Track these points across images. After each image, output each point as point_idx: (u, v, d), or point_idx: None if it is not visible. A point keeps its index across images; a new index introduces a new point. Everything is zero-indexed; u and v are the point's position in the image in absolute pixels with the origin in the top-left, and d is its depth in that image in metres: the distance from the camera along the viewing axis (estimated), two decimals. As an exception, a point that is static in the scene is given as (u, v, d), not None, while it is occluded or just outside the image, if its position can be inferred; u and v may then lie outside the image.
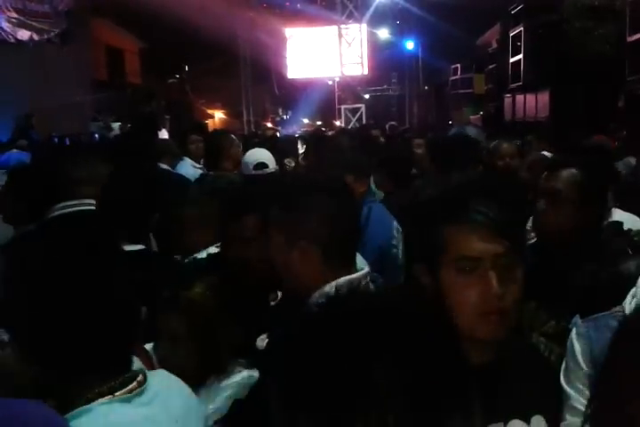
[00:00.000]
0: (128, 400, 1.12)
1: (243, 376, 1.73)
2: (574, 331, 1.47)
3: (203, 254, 2.23)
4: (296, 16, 19.25)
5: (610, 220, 2.44)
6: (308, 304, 1.35)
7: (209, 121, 22.33)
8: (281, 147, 6.02)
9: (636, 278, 1.48)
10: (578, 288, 1.75)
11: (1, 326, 1.19)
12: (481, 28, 23.47)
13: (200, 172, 4.97)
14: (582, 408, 1.38)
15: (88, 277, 1.13)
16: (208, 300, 1.75)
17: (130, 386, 1.14)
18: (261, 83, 22.92)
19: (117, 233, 2.25)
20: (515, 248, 1.19)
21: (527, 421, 1.24)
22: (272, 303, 1.92)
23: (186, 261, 2.29)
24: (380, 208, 2.91)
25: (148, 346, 1.77)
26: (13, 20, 13.20)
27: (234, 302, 1.77)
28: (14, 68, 12.30)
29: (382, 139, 6.84)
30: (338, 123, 17.45)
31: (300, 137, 9.81)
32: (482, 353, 1.24)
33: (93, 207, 2.64)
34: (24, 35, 13.51)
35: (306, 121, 26.02)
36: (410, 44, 24.07)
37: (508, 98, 18.62)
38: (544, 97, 15.06)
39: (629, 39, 12.51)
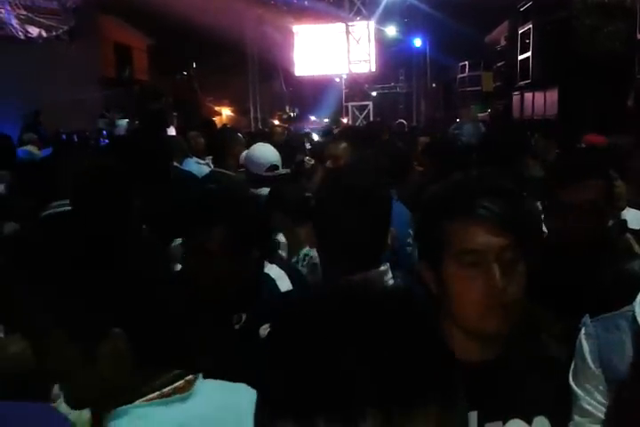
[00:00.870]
0: (167, 403, 1.07)
1: None
2: (583, 331, 1.46)
3: None
4: (304, 13, 19.22)
5: (622, 218, 2.44)
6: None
7: (216, 118, 22.32)
8: (291, 144, 6.01)
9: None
10: (587, 287, 1.74)
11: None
12: (489, 25, 23.37)
13: (205, 168, 4.97)
14: (591, 409, 1.37)
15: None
16: None
17: (175, 385, 1.09)
18: (269, 80, 22.93)
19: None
20: (518, 243, 1.18)
21: (529, 421, 1.23)
22: (236, 327, 1.78)
23: None
24: (398, 206, 2.88)
25: None
26: (22, 17, 13.25)
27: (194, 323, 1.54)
28: (23, 65, 12.35)
29: (387, 136, 6.80)
30: (345, 120, 17.42)
31: (307, 134, 9.81)
32: (485, 350, 1.24)
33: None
34: (33, 31, 13.57)
35: (313, 118, 26.02)
36: (418, 42, 24.00)
37: (516, 96, 18.56)
38: (553, 95, 15.00)
39: (639, 37, 12.44)
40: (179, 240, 2.09)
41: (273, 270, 1.96)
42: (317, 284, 1.97)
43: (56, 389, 1.32)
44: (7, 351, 1.48)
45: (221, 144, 4.50)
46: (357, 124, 15.57)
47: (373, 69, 18.09)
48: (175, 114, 14.42)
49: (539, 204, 2.22)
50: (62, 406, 1.16)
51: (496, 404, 1.21)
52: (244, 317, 1.79)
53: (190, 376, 1.12)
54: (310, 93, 25.01)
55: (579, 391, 1.39)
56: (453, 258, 1.20)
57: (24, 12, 13.28)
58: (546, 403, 1.25)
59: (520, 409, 1.23)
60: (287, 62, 20.23)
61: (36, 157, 5.92)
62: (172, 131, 8.70)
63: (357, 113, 17.33)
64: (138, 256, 1.16)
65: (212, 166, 4.90)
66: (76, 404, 1.11)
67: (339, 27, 17.80)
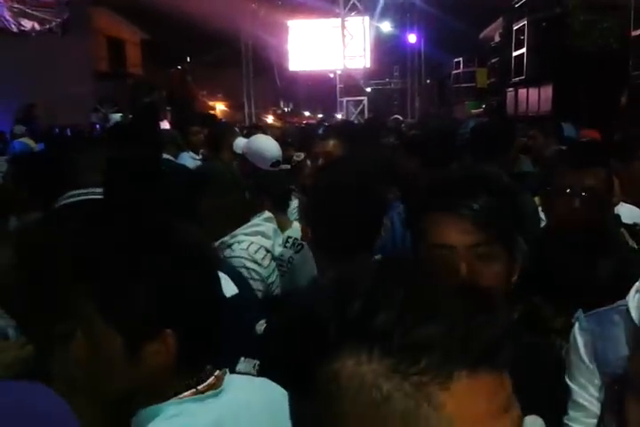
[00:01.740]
0: (201, 400, 1.07)
1: None
2: (577, 325, 1.46)
3: None
4: (298, 8, 19.16)
5: (616, 213, 2.45)
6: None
7: (210, 112, 22.29)
8: (286, 140, 5.99)
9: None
10: (582, 281, 1.74)
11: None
12: (484, 21, 23.41)
13: (199, 163, 4.96)
14: (585, 403, 1.37)
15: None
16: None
17: (207, 382, 1.09)
18: (263, 75, 22.86)
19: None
20: (493, 240, 1.18)
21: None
22: None
23: None
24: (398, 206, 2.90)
25: None
26: (15, 10, 13.17)
27: None
28: (15, 59, 12.27)
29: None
30: (339, 116, 17.40)
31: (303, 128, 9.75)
32: None
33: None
34: (26, 24, 13.49)
35: (307, 113, 25.98)
36: (412, 38, 23.99)
37: (510, 92, 18.60)
38: (547, 91, 15.04)
39: (633, 33, 12.48)
40: None
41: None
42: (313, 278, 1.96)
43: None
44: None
45: (216, 138, 4.48)
46: (352, 119, 15.55)
47: (368, 65, 18.06)
48: (169, 108, 14.36)
49: (536, 199, 2.22)
50: None
51: None
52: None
53: (218, 372, 1.12)
54: (304, 88, 24.98)
55: (573, 386, 1.39)
56: (427, 251, 1.21)
57: (17, 5, 13.19)
58: (540, 400, 1.25)
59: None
60: (282, 57, 20.18)
61: (32, 149, 5.89)
62: (165, 125, 8.68)
63: (352, 108, 17.31)
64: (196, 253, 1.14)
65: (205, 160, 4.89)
66: (106, 400, 1.10)
67: (333, 22, 17.76)
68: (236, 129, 4.87)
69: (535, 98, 15.99)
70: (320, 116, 23.00)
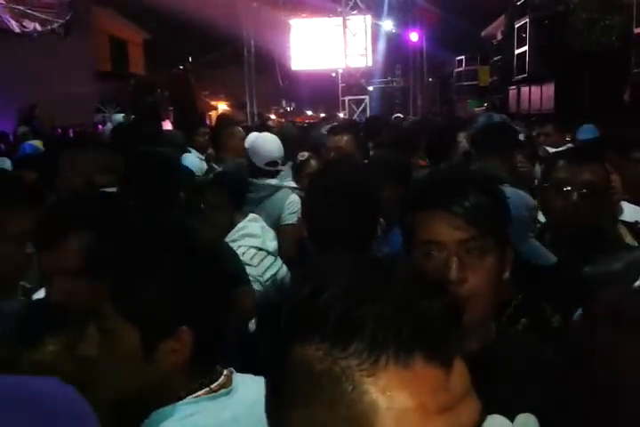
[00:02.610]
0: (215, 398, 1.09)
1: None
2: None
3: (41, 293, 1.54)
4: (300, 7, 19.15)
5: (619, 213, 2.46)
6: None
7: (212, 112, 22.29)
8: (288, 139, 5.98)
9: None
10: (583, 280, 1.74)
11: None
12: (486, 19, 23.37)
13: (204, 164, 4.97)
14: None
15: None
16: (64, 363, 1.21)
17: (219, 381, 1.11)
18: (265, 74, 22.84)
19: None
20: (484, 235, 1.18)
21: (511, 417, 1.22)
22: None
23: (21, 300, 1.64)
24: None
25: None
26: (17, 11, 13.18)
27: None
28: (18, 59, 12.29)
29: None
30: (342, 115, 17.39)
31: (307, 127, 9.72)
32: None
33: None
34: (28, 25, 13.50)
35: (309, 113, 25.96)
36: (414, 36, 23.96)
37: (512, 90, 18.57)
38: (549, 89, 15.02)
39: (636, 31, 12.44)
40: None
41: None
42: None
43: None
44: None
45: (218, 138, 4.49)
46: (354, 117, 15.55)
47: (370, 64, 18.05)
48: (171, 108, 14.36)
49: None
50: None
51: None
52: None
53: (227, 371, 1.14)
54: (307, 88, 24.96)
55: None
56: (418, 247, 1.21)
57: (18, 6, 13.21)
58: (533, 399, 1.24)
59: (501, 405, 1.22)
60: (284, 56, 20.17)
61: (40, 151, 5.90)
62: (167, 125, 8.68)
63: (354, 107, 17.30)
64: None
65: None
66: (118, 397, 1.11)
67: (335, 21, 17.74)
68: (237, 129, 4.86)
69: (537, 96, 15.97)
70: (322, 115, 23.00)
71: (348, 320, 0.52)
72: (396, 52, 23.88)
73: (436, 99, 29.99)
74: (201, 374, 1.10)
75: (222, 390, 1.10)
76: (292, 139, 4.30)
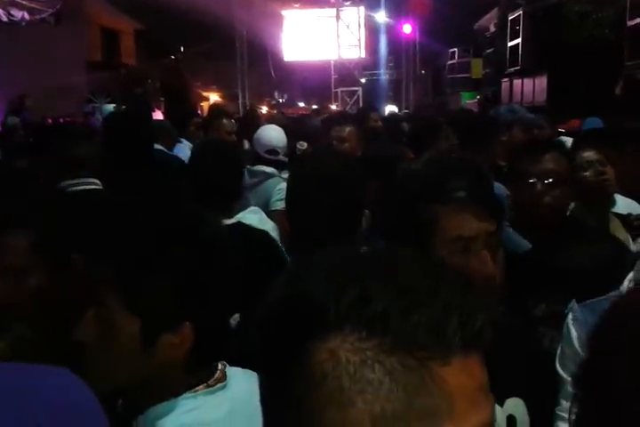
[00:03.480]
0: (212, 393, 1.09)
1: None
2: (570, 316, 1.46)
3: None
4: (293, -2, 19.06)
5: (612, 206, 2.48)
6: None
7: (204, 103, 22.19)
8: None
9: (634, 263, 1.47)
10: (573, 272, 1.74)
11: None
12: (479, 11, 23.31)
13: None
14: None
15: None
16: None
17: (215, 376, 1.11)
18: (258, 65, 22.72)
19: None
20: (498, 227, 1.19)
21: (500, 402, 1.22)
22: None
23: None
24: None
25: None
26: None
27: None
28: (7, 49, 12.18)
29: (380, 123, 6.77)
30: (334, 106, 17.35)
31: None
32: None
33: (99, 187, 2.59)
34: (16, 14, 13.36)
35: (302, 104, 25.89)
36: (407, 28, 23.87)
37: (505, 82, 18.57)
38: (542, 81, 15.02)
39: (629, 23, 12.44)
40: None
41: None
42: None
43: None
44: None
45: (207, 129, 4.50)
46: (347, 109, 15.52)
47: (363, 55, 18.01)
48: (162, 99, 14.28)
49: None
50: None
51: None
52: None
53: (220, 365, 1.14)
54: (299, 79, 24.87)
55: (566, 376, 1.38)
56: (445, 243, 1.17)
57: (7, -5, 13.09)
58: (521, 385, 1.23)
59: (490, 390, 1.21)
60: (276, 47, 20.08)
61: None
62: (158, 115, 8.63)
63: (347, 99, 17.27)
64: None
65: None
66: (108, 386, 1.08)
67: (328, 12, 17.67)
68: (226, 121, 4.86)
69: (530, 88, 15.97)
70: (314, 107, 22.93)
71: (415, 318, 0.55)
72: (389, 43, 23.83)
73: (429, 91, 29.92)
74: (200, 370, 1.10)
75: (219, 385, 1.10)
76: (283, 129, 4.29)
